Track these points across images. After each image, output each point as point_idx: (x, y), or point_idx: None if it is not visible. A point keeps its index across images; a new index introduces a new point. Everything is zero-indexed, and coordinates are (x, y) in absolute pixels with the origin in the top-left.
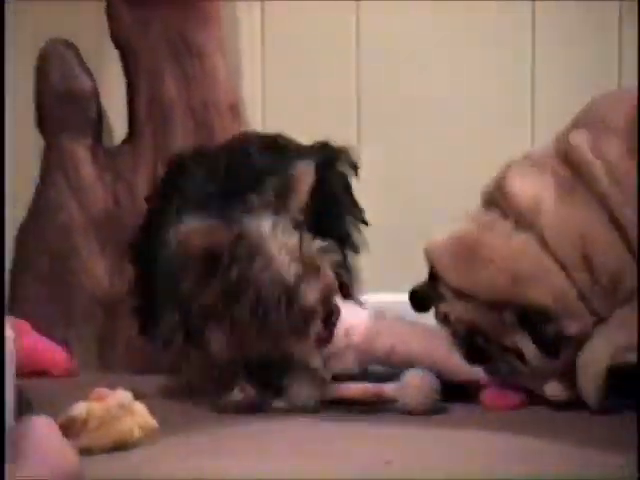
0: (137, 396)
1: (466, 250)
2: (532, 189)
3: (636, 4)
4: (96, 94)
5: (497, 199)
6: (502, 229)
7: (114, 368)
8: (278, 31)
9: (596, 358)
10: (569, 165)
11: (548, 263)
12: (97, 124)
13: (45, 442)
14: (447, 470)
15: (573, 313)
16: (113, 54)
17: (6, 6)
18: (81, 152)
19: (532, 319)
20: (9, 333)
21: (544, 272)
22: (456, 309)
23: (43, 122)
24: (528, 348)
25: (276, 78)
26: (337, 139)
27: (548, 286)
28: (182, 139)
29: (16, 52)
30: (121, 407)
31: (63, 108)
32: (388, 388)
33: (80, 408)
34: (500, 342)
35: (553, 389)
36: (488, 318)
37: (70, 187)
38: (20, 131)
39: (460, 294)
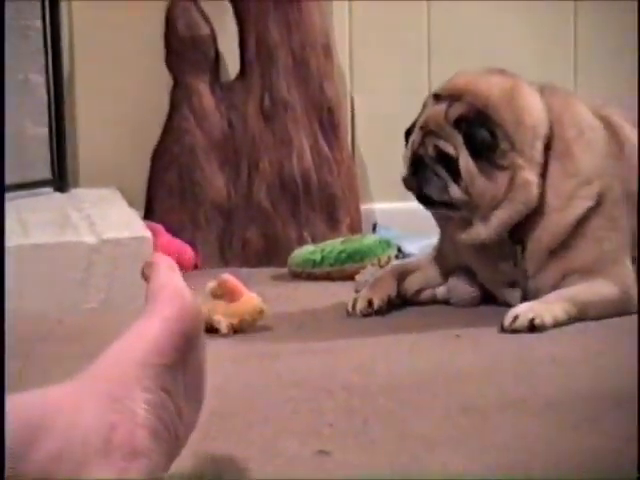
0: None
1: (487, 73)
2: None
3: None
4: (214, 38)
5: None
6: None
7: (231, 263)
8: None
9: None
10: None
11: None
12: (215, 63)
13: (171, 281)
14: None
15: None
16: (227, 5)
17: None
18: (202, 87)
19: (477, 119)
20: (148, 234)
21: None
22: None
23: (171, 63)
24: (462, 151)
25: (362, 20)
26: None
27: (529, 115)
28: (284, 76)
29: (151, 8)
30: (259, 312)
31: (187, 51)
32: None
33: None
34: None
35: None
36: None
37: (194, 115)
38: (154, 71)
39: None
